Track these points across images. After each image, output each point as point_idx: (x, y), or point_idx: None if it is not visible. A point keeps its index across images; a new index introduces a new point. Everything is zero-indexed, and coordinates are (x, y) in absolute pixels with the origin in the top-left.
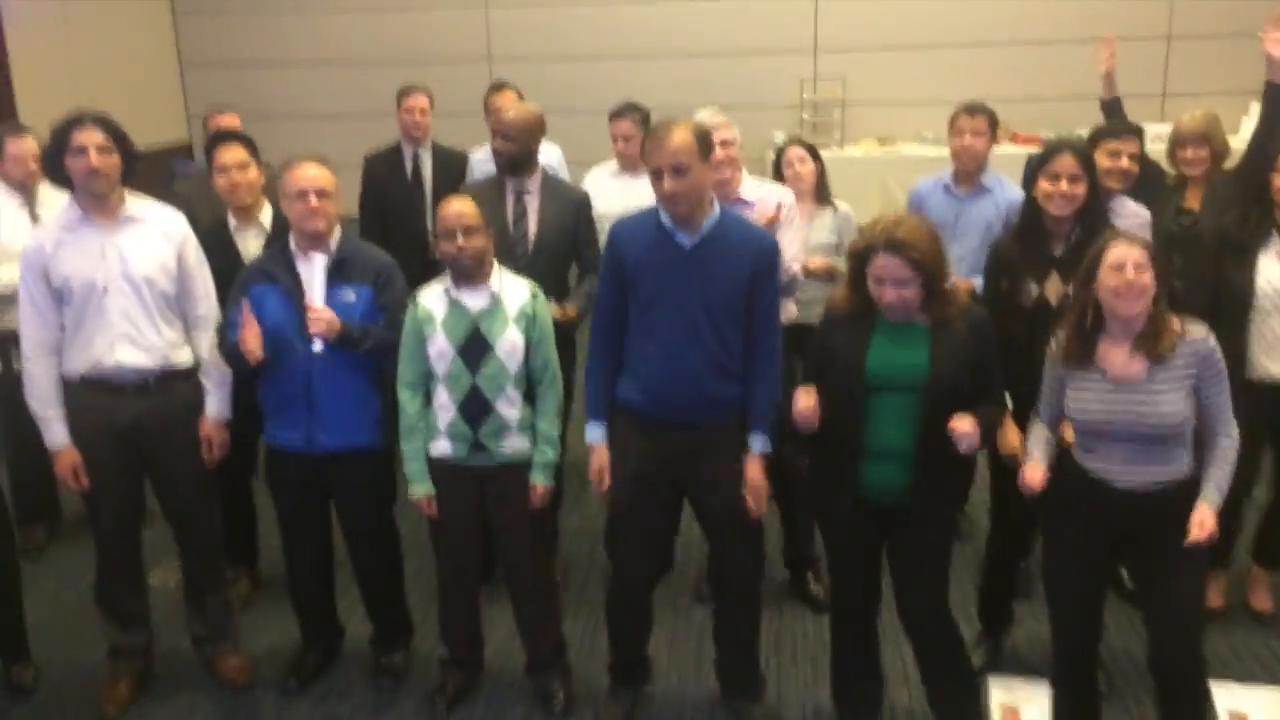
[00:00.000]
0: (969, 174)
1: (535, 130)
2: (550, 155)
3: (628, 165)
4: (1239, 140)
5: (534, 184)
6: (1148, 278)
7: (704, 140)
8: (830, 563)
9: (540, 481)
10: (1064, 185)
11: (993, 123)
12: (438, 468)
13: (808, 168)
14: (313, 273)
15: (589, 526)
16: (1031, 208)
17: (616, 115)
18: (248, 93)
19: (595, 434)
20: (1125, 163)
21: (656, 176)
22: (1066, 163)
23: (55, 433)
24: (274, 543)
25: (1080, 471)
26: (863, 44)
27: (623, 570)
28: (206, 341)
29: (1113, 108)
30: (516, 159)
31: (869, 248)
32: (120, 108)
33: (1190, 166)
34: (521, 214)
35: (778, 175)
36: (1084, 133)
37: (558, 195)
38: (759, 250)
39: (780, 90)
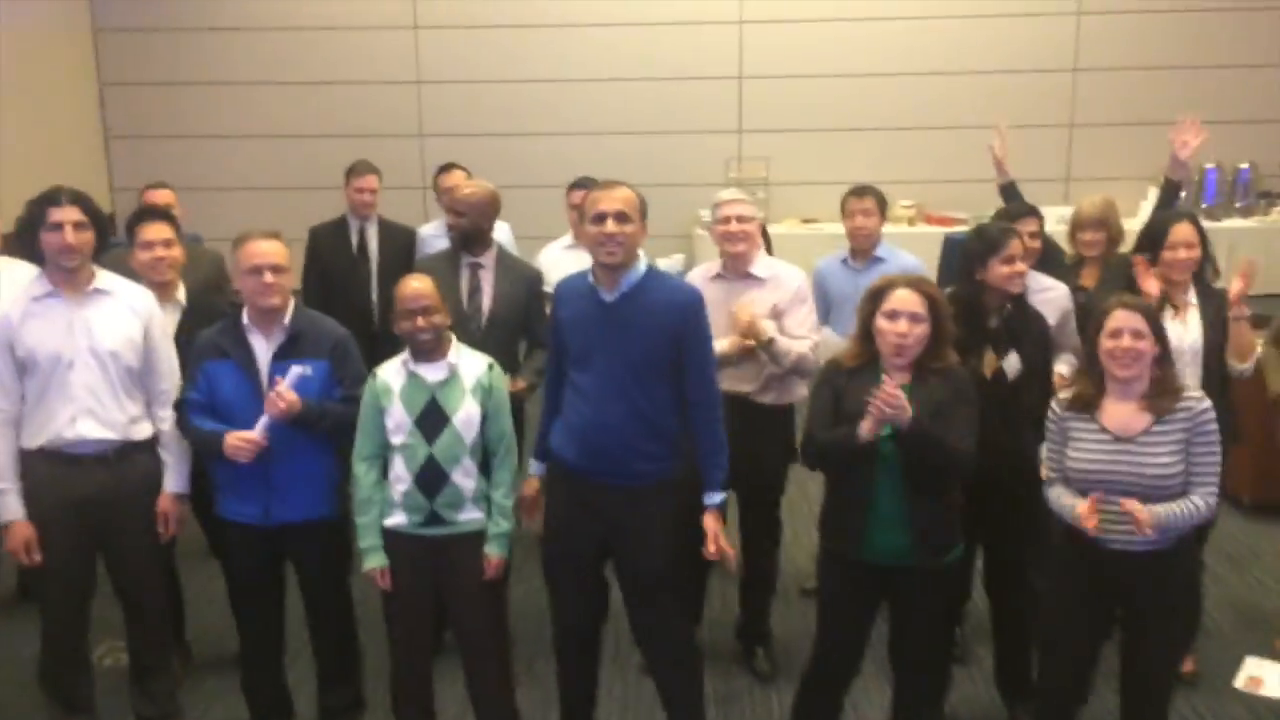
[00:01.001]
0: (863, 250)
1: (488, 207)
2: (501, 233)
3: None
4: (1136, 222)
5: (488, 259)
6: (1144, 344)
7: (644, 204)
8: (820, 624)
9: (495, 553)
10: (1019, 265)
11: (880, 201)
12: (392, 538)
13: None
14: (270, 349)
15: (536, 599)
16: (971, 286)
17: (576, 185)
18: (175, 165)
19: (535, 468)
20: (1028, 241)
21: (598, 220)
22: (1018, 247)
23: (8, 506)
24: (206, 620)
25: (1077, 536)
26: (786, 125)
27: (560, 610)
28: (168, 415)
29: (1008, 191)
30: (469, 234)
31: (888, 284)
32: (43, 177)
33: (1088, 248)
34: (476, 289)
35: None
36: (989, 214)
37: (511, 271)
38: (682, 305)
39: (707, 168)
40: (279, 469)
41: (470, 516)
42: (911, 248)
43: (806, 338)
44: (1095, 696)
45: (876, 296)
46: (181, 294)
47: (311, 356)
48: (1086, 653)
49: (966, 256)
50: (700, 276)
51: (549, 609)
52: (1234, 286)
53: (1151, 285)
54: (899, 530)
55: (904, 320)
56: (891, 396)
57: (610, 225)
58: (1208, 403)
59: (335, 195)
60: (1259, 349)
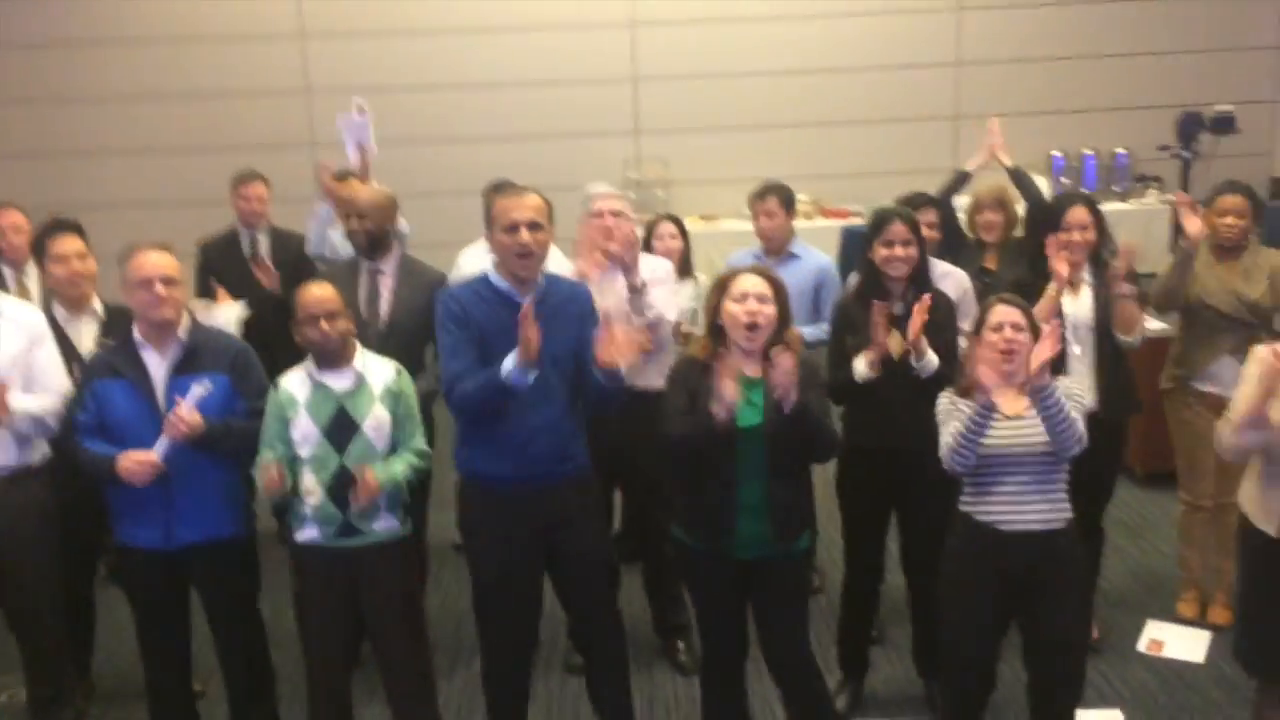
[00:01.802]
0: (774, 249)
1: (389, 210)
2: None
3: None
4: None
5: (388, 264)
6: (1024, 336)
7: (551, 208)
8: (700, 616)
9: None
10: (898, 249)
11: (783, 200)
12: (305, 553)
13: (676, 244)
14: (165, 365)
15: (451, 607)
16: (870, 270)
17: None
18: (55, 183)
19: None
20: (925, 230)
21: (512, 230)
22: (898, 229)
23: None
24: (115, 648)
25: (972, 524)
26: (683, 125)
27: (495, 642)
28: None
29: (1018, 177)
30: (375, 237)
31: (733, 272)
32: None
33: (987, 230)
34: (375, 294)
35: (647, 247)
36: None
37: (413, 276)
38: (580, 294)
39: (605, 170)
40: (180, 488)
41: (385, 525)
42: (812, 241)
43: (667, 311)
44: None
45: (722, 286)
46: (98, 305)
47: (211, 370)
48: (989, 641)
49: (846, 242)
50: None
51: (472, 631)
52: (1115, 266)
53: (1062, 267)
54: (761, 519)
55: (752, 300)
56: (731, 373)
57: (524, 235)
58: (1069, 379)
59: (225, 210)
60: (1145, 322)
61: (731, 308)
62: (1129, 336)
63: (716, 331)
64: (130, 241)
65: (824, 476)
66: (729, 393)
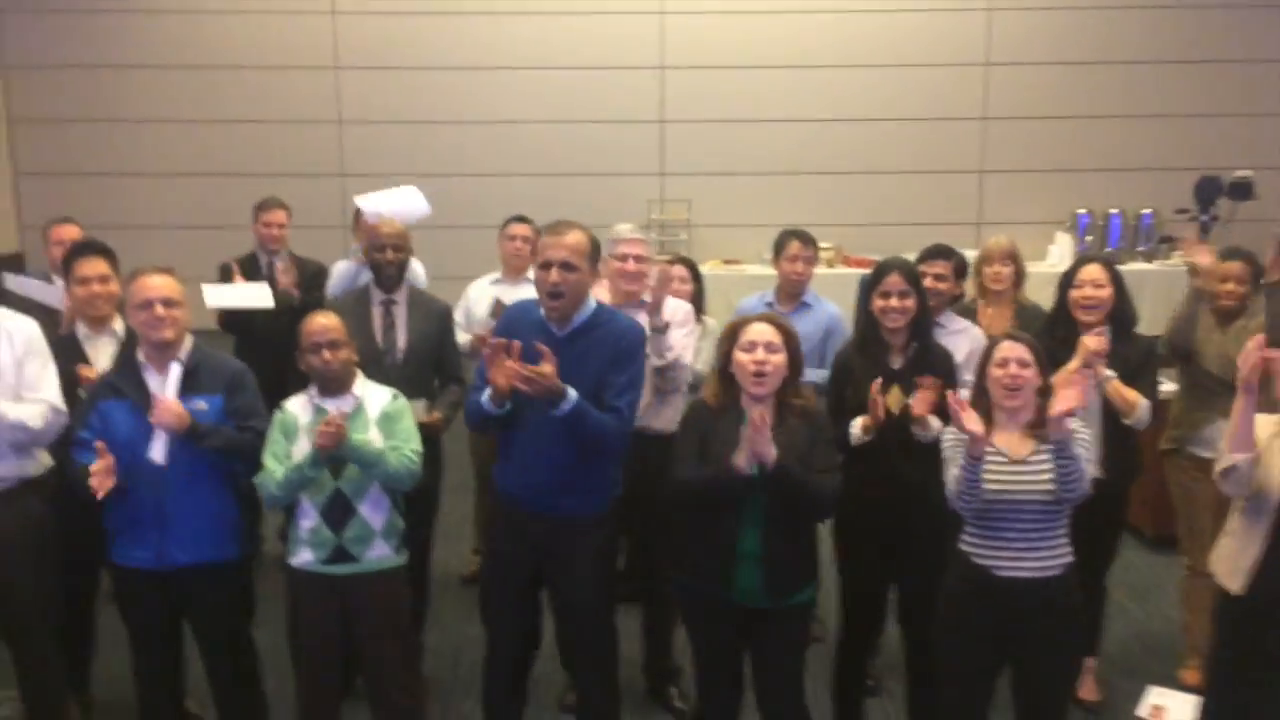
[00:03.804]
0: (793, 294)
1: (409, 243)
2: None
3: (511, 272)
4: (1046, 265)
5: (400, 296)
6: (1029, 373)
7: (596, 248)
8: (698, 660)
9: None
10: (894, 301)
11: (817, 250)
12: (298, 578)
13: (687, 287)
14: (166, 380)
15: (449, 643)
16: (869, 321)
17: (516, 220)
18: (88, 202)
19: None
20: (930, 282)
21: (544, 267)
22: (894, 280)
23: None
24: (111, 670)
25: (970, 565)
26: (708, 169)
27: (494, 636)
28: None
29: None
30: (403, 268)
31: (742, 320)
32: None
33: (996, 281)
34: (390, 325)
35: None
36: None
37: (422, 306)
38: (624, 334)
39: (630, 210)
40: (174, 508)
41: (379, 554)
42: (831, 289)
43: (684, 353)
44: None
45: (732, 334)
46: (119, 325)
47: (209, 392)
48: (982, 683)
49: (861, 293)
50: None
51: (480, 645)
52: (1086, 347)
53: (1091, 342)
54: (759, 570)
55: (761, 349)
56: (760, 426)
57: (554, 274)
58: (1077, 421)
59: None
60: (1143, 403)
61: (741, 356)
62: (1129, 419)
63: (727, 379)
64: (136, 265)
65: (828, 523)
66: (760, 448)
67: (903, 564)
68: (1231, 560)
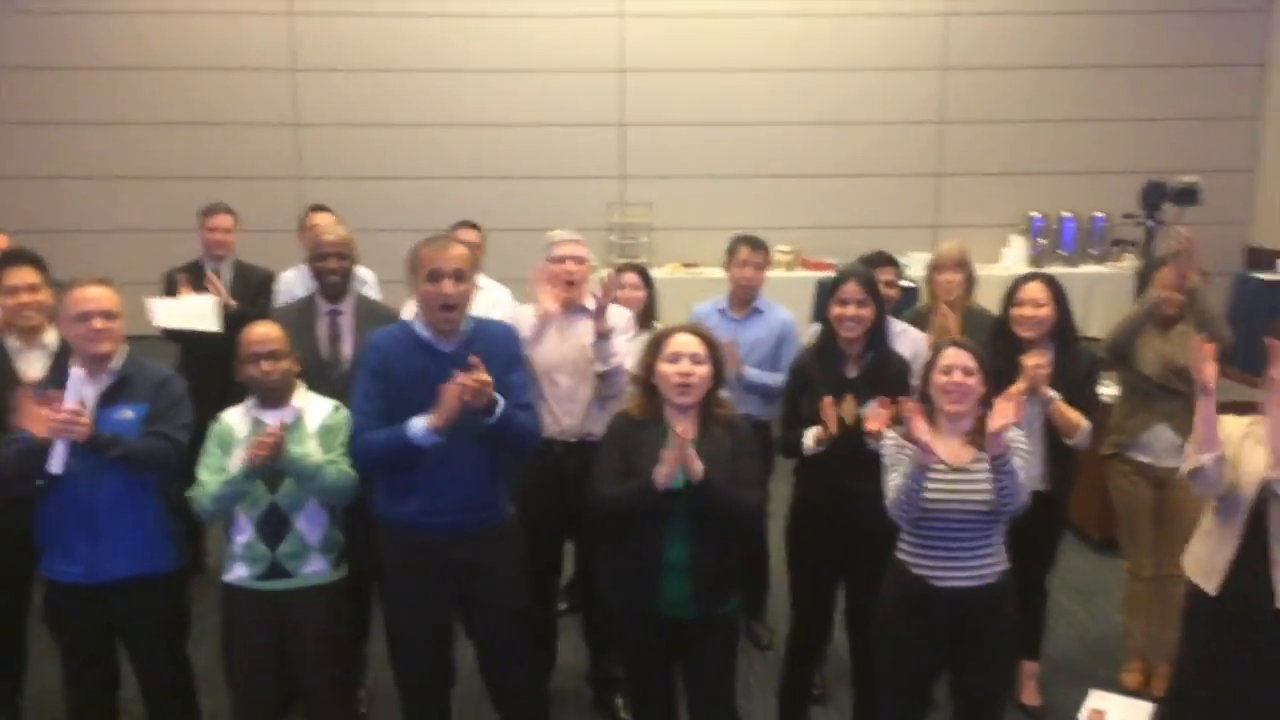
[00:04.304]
0: (745, 301)
1: (357, 248)
2: (367, 277)
3: None
4: (998, 268)
5: (347, 305)
6: (973, 380)
7: (475, 258)
8: (629, 674)
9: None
10: (851, 309)
11: (768, 256)
12: (233, 594)
13: (639, 293)
14: (82, 390)
15: None
16: (827, 330)
17: (463, 224)
18: (30, 206)
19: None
20: (884, 288)
21: (434, 278)
22: (852, 289)
23: None
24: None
25: (907, 575)
26: (668, 172)
27: (416, 682)
28: None
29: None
30: (348, 276)
31: (666, 331)
32: None
33: (947, 289)
34: (336, 336)
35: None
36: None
37: (371, 316)
38: (507, 338)
39: (589, 213)
40: (105, 520)
41: (315, 569)
42: (790, 292)
43: (626, 358)
44: None
45: (656, 344)
46: (51, 338)
47: (137, 400)
48: (920, 689)
49: (820, 298)
50: (532, 313)
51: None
52: (1026, 368)
53: (1033, 361)
54: (687, 581)
55: (686, 360)
56: (683, 443)
57: (449, 286)
58: (1017, 431)
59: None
60: (1085, 425)
61: (665, 368)
62: (1072, 439)
63: (650, 390)
64: (81, 272)
65: (779, 527)
66: (672, 465)
67: (851, 572)
68: (1207, 560)
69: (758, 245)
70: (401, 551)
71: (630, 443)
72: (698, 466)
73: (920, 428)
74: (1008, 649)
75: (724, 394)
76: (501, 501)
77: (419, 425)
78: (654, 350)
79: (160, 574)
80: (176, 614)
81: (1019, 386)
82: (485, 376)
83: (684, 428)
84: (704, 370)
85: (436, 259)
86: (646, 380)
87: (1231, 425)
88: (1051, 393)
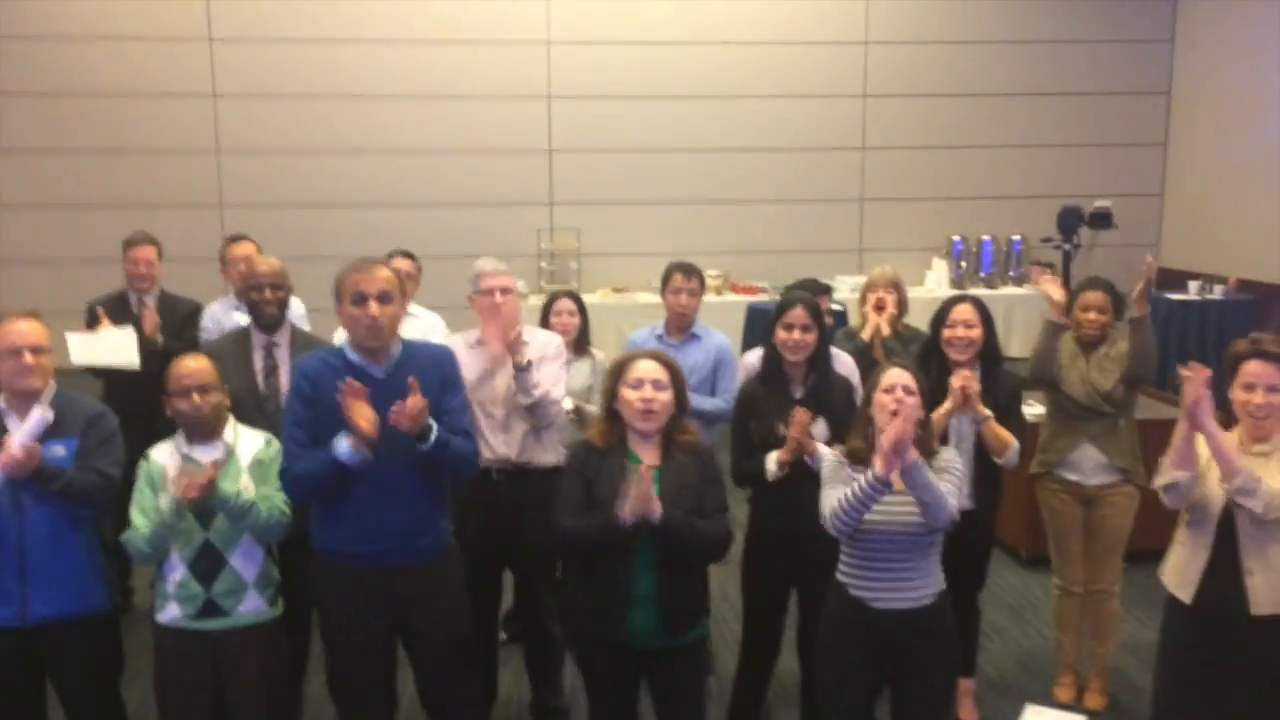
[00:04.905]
0: (681, 326)
1: (289, 279)
2: (295, 308)
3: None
4: (924, 290)
5: (282, 338)
6: (914, 400)
7: (402, 283)
8: (593, 703)
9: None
10: (797, 334)
11: (703, 282)
12: (165, 635)
13: (574, 320)
14: (26, 424)
15: None
16: (772, 354)
17: (401, 254)
18: None
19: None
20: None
21: (359, 301)
22: (798, 314)
23: None
24: None
25: (846, 596)
26: (596, 198)
27: (351, 716)
28: None
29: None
30: (284, 306)
31: (629, 357)
32: None
33: (879, 311)
34: (273, 369)
35: (544, 322)
36: (789, 283)
37: (307, 347)
38: (441, 360)
39: (519, 240)
40: (36, 558)
41: (251, 607)
42: (720, 316)
43: (555, 387)
44: None
45: (618, 371)
46: None
47: (68, 436)
48: (861, 707)
49: (750, 320)
50: (462, 342)
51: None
52: (954, 388)
53: (960, 381)
54: (654, 611)
55: (648, 386)
56: (645, 480)
57: (375, 308)
58: (952, 451)
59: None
60: (1015, 444)
61: (628, 394)
62: (1001, 459)
63: (613, 417)
64: (2, 307)
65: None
66: (640, 505)
67: (803, 593)
68: (1181, 571)
69: (691, 272)
70: (338, 582)
71: (591, 471)
72: (657, 508)
73: (886, 461)
74: (947, 668)
75: (696, 409)
76: (440, 530)
77: (343, 444)
78: (616, 375)
79: (93, 614)
80: (110, 655)
81: (948, 405)
82: (419, 400)
83: (646, 466)
84: (666, 396)
85: (361, 282)
86: (609, 406)
87: (1202, 443)
88: (986, 411)
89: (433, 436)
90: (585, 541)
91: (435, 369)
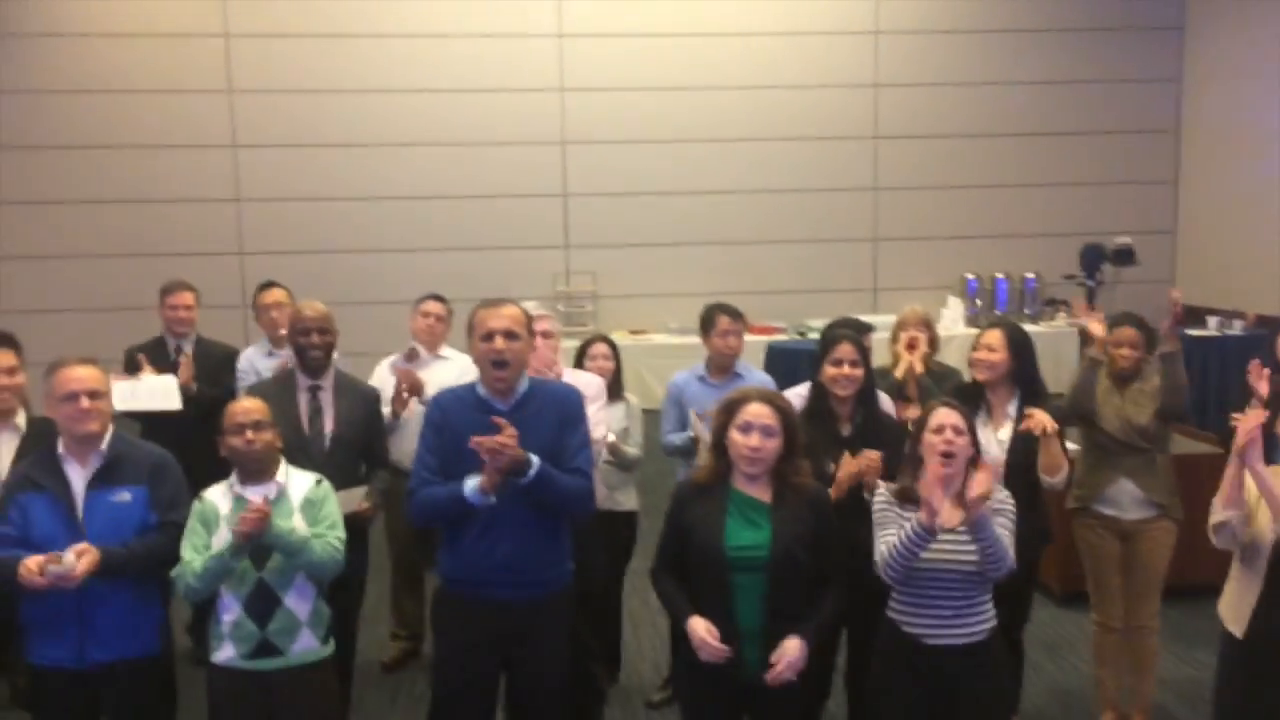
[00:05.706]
0: (724, 367)
1: (335, 324)
2: None
3: (425, 346)
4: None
5: (327, 381)
6: (963, 440)
7: (529, 320)
8: None
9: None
10: (846, 369)
11: (745, 322)
12: (219, 675)
13: (609, 364)
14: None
15: None
16: (818, 392)
17: (432, 297)
18: None
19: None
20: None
21: (487, 338)
22: (846, 350)
23: None
24: None
25: (899, 633)
26: (611, 241)
27: None
28: None
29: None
30: (329, 352)
31: (742, 396)
32: None
33: (911, 350)
34: (317, 411)
35: (579, 365)
36: (808, 324)
37: (350, 391)
38: (565, 399)
39: (537, 282)
40: (94, 604)
41: (306, 645)
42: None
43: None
44: None
45: (730, 409)
46: (21, 419)
47: (131, 483)
48: None
49: (813, 361)
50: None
51: None
52: (1029, 414)
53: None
54: (760, 647)
55: (756, 434)
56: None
57: (500, 343)
58: (1004, 492)
59: (153, 315)
60: (1067, 466)
61: (736, 436)
62: (1053, 479)
63: (722, 453)
64: (57, 355)
65: None
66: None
67: (852, 627)
68: (1234, 607)
69: (735, 314)
70: (451, 610)
71: (693, 515)
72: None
73: (930, 487)
74: (999, 704)
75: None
76: (555, 570)
77: (471, 484)
78: (727, 413)
79: (149, 656)
80: (164, 696)
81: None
82: (506, 437)
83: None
84: (774, 444)
85: (488, 320)
86: (718, 442)
87: (1250, 483)
88: (1052, 423)
89: (531, 472)
90: (665, 606)
91: (556, 407)
